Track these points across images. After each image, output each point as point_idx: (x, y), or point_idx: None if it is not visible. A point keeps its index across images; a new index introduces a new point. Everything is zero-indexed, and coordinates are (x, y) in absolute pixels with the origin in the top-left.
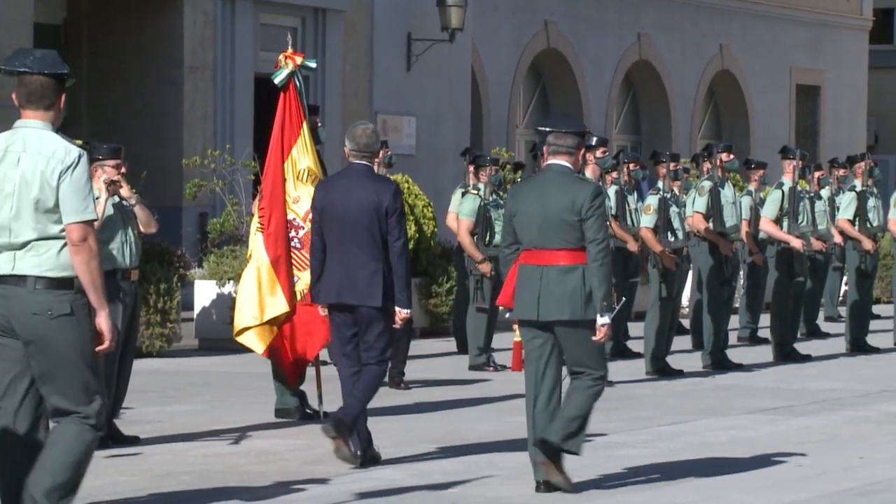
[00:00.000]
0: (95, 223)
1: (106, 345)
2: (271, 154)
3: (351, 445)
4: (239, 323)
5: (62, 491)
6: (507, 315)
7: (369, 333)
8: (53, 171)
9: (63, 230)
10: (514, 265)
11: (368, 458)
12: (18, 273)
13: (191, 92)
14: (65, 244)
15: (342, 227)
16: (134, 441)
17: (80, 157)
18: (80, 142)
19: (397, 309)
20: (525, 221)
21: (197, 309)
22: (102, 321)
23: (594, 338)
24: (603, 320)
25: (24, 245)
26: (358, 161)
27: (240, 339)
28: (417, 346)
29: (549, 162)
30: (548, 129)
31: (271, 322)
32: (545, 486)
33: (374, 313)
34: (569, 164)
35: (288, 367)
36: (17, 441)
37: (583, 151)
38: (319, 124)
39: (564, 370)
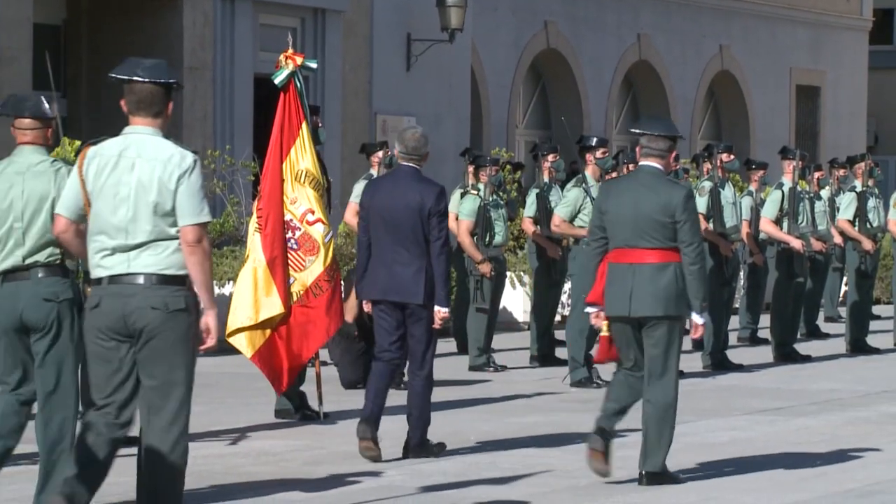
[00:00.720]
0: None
1: (210, 343)
2: (270, 155)
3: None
4: (233, 323)
5: (174, 482)
6: (589, 310)
7: (414, 336)
8: (171, 176)
9: (177, 231)
10: (602, 263)
11: (418, 452)
12: (134, 272)
13: (190, 92)
14: (178, 244)
15: (387, 227)
16: (134, 442)
17: (195, 162)
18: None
19: (436, 308)
20: (616, 220)
21: None
22: (210, 319)
23: (692, 336)
24: (700, 319)
25: (138, 246)
26: (406, 163)
27: (231, 339)
28: None
29: (641, 163)
30: (642, 132)
31: (266, 323)
32: (648, 479)
33: (418, 311)
34: (660, 167)
35: (277, 372)
36: (118, 433)
37: (674, 154)
38: (320, 125)
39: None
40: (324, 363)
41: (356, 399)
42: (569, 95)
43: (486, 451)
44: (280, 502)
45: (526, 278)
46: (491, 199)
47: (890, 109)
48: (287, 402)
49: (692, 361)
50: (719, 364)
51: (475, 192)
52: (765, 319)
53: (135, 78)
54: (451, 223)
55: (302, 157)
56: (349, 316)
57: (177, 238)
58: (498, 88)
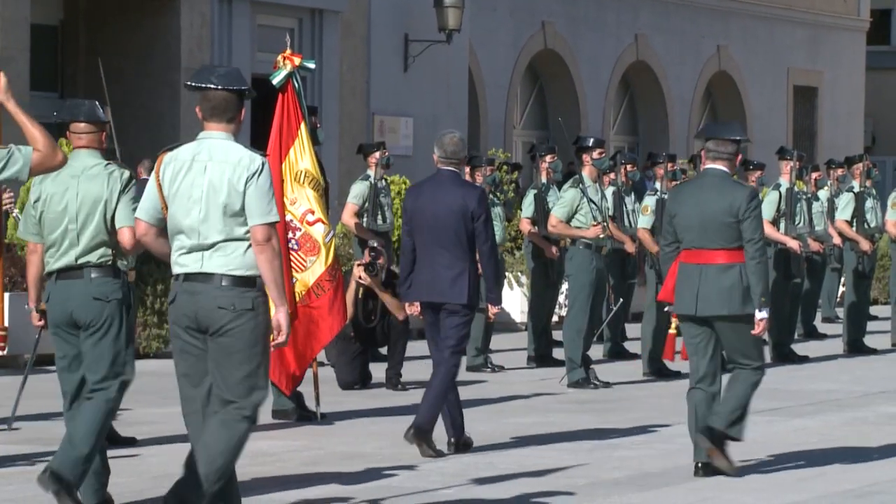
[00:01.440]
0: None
1: (281, 339)
2: (269, 155)
3: (433, 444)
4: None
5: (216, 476)
6: (666, 309)
7: (448, 323)
8: (240, 178)
9: (247, 232)
10: (674, 263)
11: (461, 444)
12: (206, 271)
13: (188, 93)
14: (249, 245)
15: (430, 230)
16: (131, 442)
17: (263, 164)
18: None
19: (489, 306)
20: (685, 223)
21: None
22: (281, 317)
23: (753, 331)
24: (761, 315)
25: (211, 246)
26: (446, 167)
27: None
28: (414, 347)
29: (708, 166)
30: (711, 136)
31: None
32: (704, 469)
33: (456, 307)
34: (726, 169)
35: (284, 373)
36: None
37: (740, 158)
38: (318, 125)
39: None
40: (321, 364)
41: (353, 400)
42: (566, 96)
43: (484, 452)
44: (277, 502)
45: (523, 279)
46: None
47: (887, 110)
48: (285, 403)
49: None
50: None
51: None
52: None
53: (209, 86)
54: None
55: (301, 157)
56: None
57: (247, 239)
58: (495, 89)
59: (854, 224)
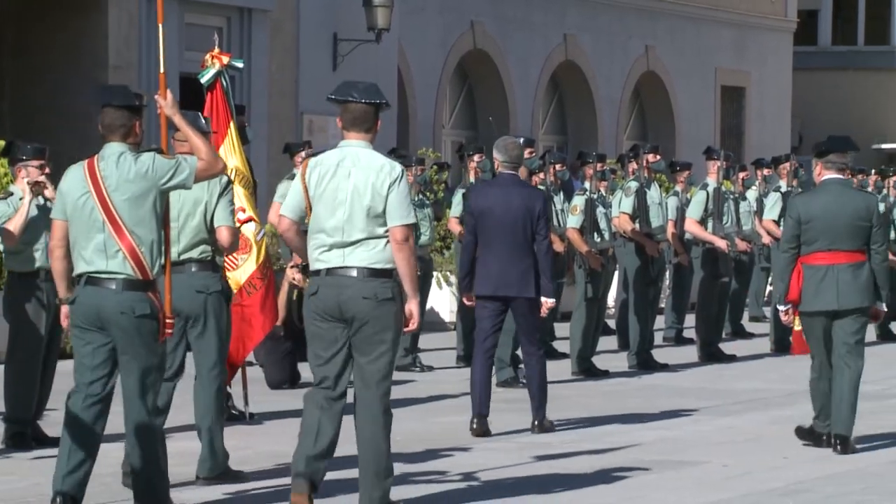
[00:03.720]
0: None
1: (413, 326)
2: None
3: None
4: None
5: (386, 472)
6: (782, 307)
7: (527, 323)
8: (383, 183)
9: (385, 231)
10: (796, 265)
11: (544, 428)
12: (348, 265)
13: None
14: (387, 242)
15: (499, 229)
16: (58, 443)
17: (402, 171)
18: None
19: (543, 299)
20: (820, 227)
21: None
22: (413, 306)
23: (873, 321)
24: (883, 306)
25: (353, 243)
26: (507, 171)
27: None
28: None
29: (830, 176)
30: (829, 148)
31: None
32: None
33: (529, 304)
34: (844, 177)
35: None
36: (337, 406)
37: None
38: (246, 124)
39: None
40: (249, 363)
41: (282, 399)
42: (495, 95)
43: (413, 451)
44: (205, 501)
45: (452, 278)
46: (416, 198)
47: (814, 110)
48: None
49: (617, 361)
50: (645, 364)
51: None
52: (690, 319)
53: (350, 99)
54: None
55: (231, 155)
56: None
57: (384, 237)
58: (424, 88)
59: (781, 224)
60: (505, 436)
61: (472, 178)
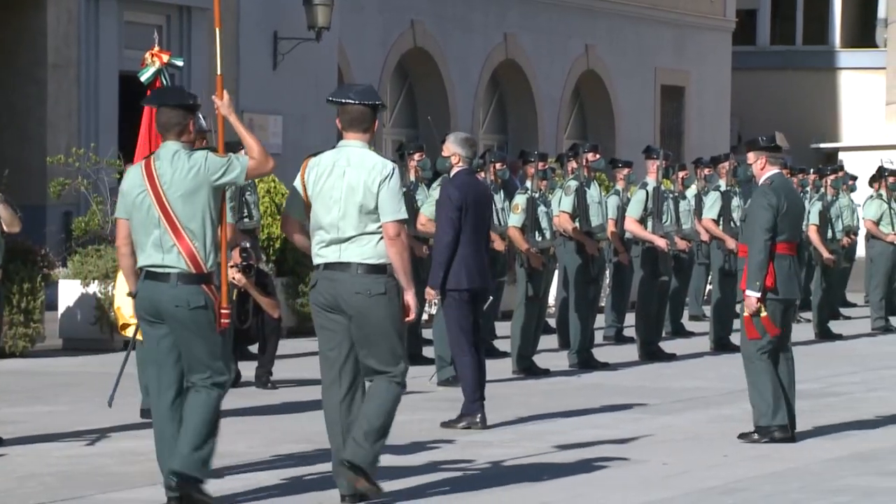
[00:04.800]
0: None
1: (412, 317)
2: (139, 152)
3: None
4: (120, 319)
5: (376, 435)
6: (758, 294)
7: (481, 307)
8: (374, 181)
9: (380, 227)
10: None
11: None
12: (344, 261)
13: (55, 90)
14: (380, 238)
15: (479, 222)
16: None
17: (394, 169)
18: None
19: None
20: (789, 219)
21: (61, 309)
22: (410, 298)
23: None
24: None
25: (348, 239)
26: (466, 167)
27: (125, 332)
28: (285, 345)
29: (777, 171)
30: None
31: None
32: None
33: (487, 294)
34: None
35: None
36: (340, 393)
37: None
38: None
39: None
40: None
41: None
42: (436, 94)
43: None
44: (146, 501)
45: None
46: None
47: (753, 109)
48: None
49: (557, 360)
50: (585, 362)
51: None
52: (630, 318)
53: (347, 100)
54: None
55: None
56: None
57: (378, 233)
58: None
59: (720, 223)
60: (446, 434)
61: (412, 177)
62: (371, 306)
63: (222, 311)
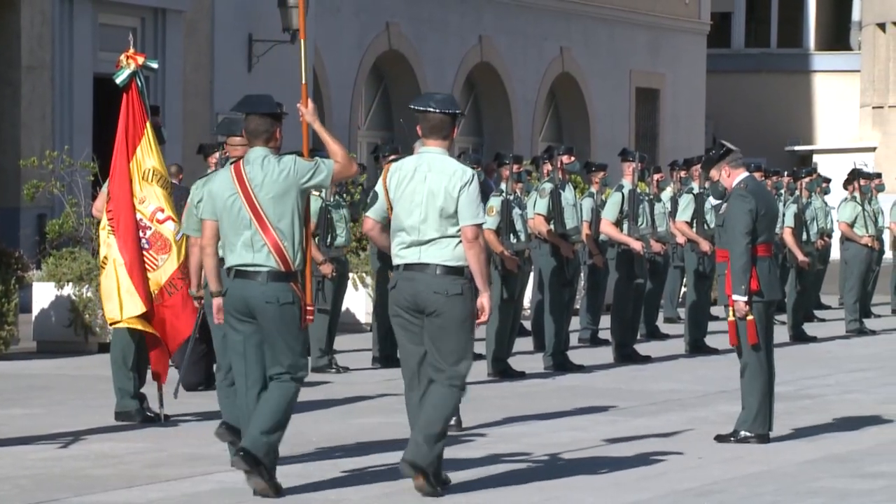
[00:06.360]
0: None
1: (484, 318)
2: (117, 155)
3: None
4: (108, 316)
5: (436, 438)
6: (745, 298)
7: None
8: (455, 187)
9: (458, 231)
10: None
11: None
12: (424, 262)
13: (28, 92)
14: (459, 241)
15: None
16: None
17: (473, 175)
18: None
19: None
20: (767, 221)
21: (35, 311)
22: (485, 300)
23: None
24: None
25: (428, 241)
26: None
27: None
28: None
29: (747, 174)
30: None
31: (133, 321)
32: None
33: None
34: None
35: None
36: (420, 392)
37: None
38: (161, 125)
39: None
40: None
41: (197, 402)
42: (411, 97)
43: (329, 453)
44: None
45: (368, 279)
46: (332, 199)
47: (728, 112)
48: (128, 405)
49: (533, 362)
50: (560, 365)
51: (317, 194)
52: (605, 320)
53: (429, 109)
54: None
55: (148, 155)
56: None
57: (456, 237)
58: (340, 90)
59: (694, 225)
60: None
61: None
62: (448, 306)
63: (307, 307)
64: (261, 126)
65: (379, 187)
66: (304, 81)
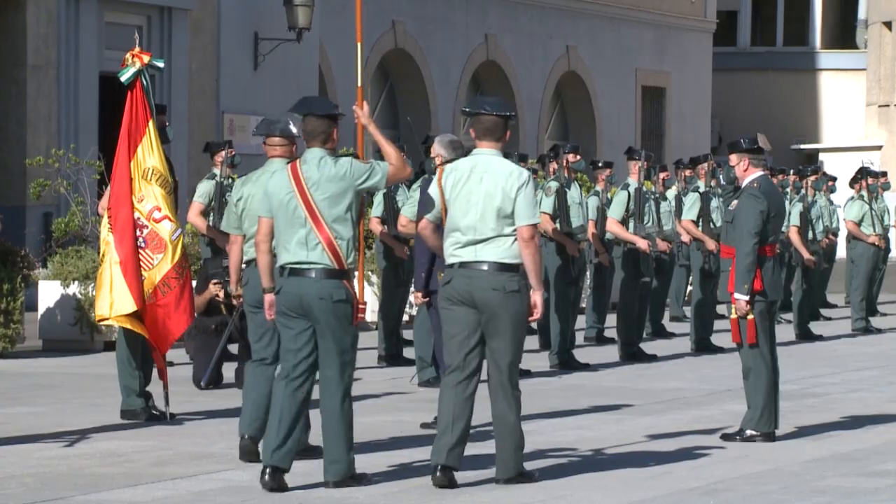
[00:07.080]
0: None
1: (537, 315)
2: (119, 153)
3: None
4: (98, 313)
5: (518, 449)
6: (746, 297)
7: None
8: (512, 187)
9: (513, 230)
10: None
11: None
12: (480, 259)
13: (34, 91)
14: (514, 240)
15: None
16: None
17: (529, 177)
18: None
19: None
20: (777, 221)
21: (41, 309)
22: (538, 298)
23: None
24: None
25: (485, 240)
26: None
27: (107, 322)
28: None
29: (762, 173)
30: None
31: (122, 320)
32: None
33: None
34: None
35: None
36: (461, 375)
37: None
38: (167, 124)
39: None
40: (170, 364)
41: (203, 400)
42: (416, 95)
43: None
44: (127, 502)
45: (374, 278)
46: None
47: (733, 111)
48: (133, 403)
49: (538, 361)
50: (566, 363)
51: None
52: (611, 319)
53: (482, 112)
54: None
55: (149, 154)
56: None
57: (512, 235)
58: (346, 88)
59: (700, 223)
60: (426, 435)
61: None
62: (504, 302)
63: (359, 305)
64: (318, 127)
65: (433, 189)
66: (359, 84)
